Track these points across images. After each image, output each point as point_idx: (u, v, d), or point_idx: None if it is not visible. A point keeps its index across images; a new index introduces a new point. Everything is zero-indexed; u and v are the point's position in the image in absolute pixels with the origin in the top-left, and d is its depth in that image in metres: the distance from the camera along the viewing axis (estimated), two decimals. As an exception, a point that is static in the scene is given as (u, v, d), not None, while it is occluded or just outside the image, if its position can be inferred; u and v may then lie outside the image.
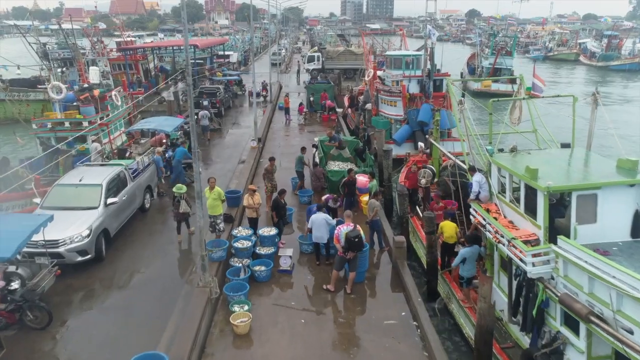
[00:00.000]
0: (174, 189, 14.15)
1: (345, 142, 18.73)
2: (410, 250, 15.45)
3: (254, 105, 25.29)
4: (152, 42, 65.05)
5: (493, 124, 12.76)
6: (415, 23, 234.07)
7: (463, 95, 26.08)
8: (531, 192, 10.05)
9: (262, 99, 37.51)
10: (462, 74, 57.18)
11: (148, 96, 39.58)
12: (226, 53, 55.72)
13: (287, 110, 31.78)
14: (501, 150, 11.83)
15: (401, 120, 25.84)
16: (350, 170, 15.40)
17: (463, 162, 17.61)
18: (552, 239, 9.55)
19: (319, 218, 12.39)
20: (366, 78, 31.55)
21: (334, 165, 18.47)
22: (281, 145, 25.48)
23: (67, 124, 21.67)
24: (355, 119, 30.80)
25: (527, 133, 13.20)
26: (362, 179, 16.23)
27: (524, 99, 12.29)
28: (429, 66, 26.18)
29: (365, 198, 15.97)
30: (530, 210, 10.16)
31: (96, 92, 23.92)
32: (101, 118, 23.24)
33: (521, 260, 9.46)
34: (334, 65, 51.82)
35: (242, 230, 13.24)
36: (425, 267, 13.50)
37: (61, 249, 11.46)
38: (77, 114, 22.05)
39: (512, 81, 48.49)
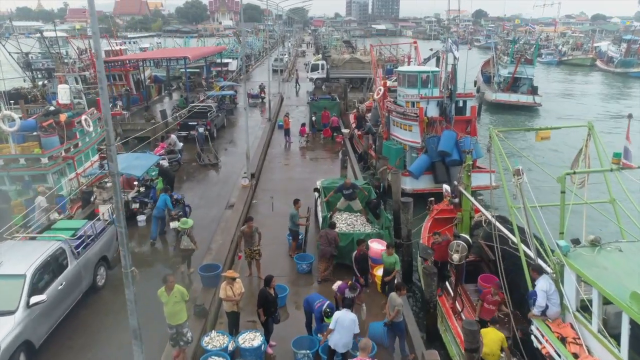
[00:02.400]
0: (179, 224, 13.31)
1: (356, 192, 15.09)
2: (437, 341, 12.04)
3: (246, 128, 21.80)
4: (145, 48, 61.74)
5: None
6: (421, 24, 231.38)
7: (480, 108, 22.95)
8: (641, 331, 6.59)
9: (260, 100, 40.58)
10: (475, 82, 53.56)
11: (137, 111, 36.63)
12: (224, 61, 52.25)
13: (287, 132, 28.32)
14: (576, 242, 8.33)
15: (418, 148, 22.31)
16: (361, 242, 11.86)
17: (502, 218, 14.26)
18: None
19: (348, 318, 8.99)
20: (375, 95, 28.03)
21: (341, 221, 14.93)
22: (279, 180, 21.96)
23: (22, 161, 18.37)
24: (364, 142, 27.32)
25: (600, 203, 9.70)
26: (376, 247, 12.75)
27: (611, 170, 8.70)
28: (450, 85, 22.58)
29: (379, 272, 12.54)
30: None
31: (63, 117, 20.53)
32: (67, 150, 19.97)
33: None
34: (339, 74, 48.34)
35: (216, 338, 9.77)
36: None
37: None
38: (36, 146, 18.71)
39: (534, 92, 44.93)
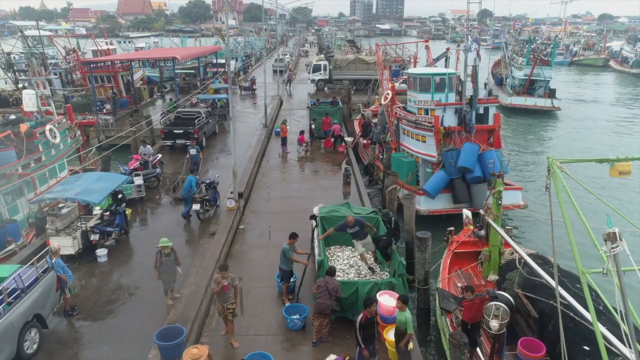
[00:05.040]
0: (160, 242, 11.30)
1: (367, 229, 12.07)
2: None
3: (233, 141, 18.99)
4: (139, 48, 58.97)
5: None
6: (426, 23, 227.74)
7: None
8: None
9: (251, 92, 43.91)
10: (486, 84, 50.56)
11: (123, 116, 33.93)
12: (221, 61, 49.40)
13: (284, 140, 25.51)
14: None
15: (433, 162, 19.45)
16: (368, 304, 9.00)
17: (540, 258, 11.47)
18: None
19: None
20: (383, 100, 25.16)
21: (342, 261, 12.07)
22: (273, 199, 19.11)
23: (-36, 180, 15.70)
24: (370, 152, 24.48)
25: None
26: (387, 303, 9.90)
27: None
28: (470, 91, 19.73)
29: (390, 335, 9.72)
30: None
31: (23, 127, 17.89)
32: (26, 165, 17.27)
33: None
34: (342, 76, 45.50)
35: None
36: None
37: None
38: (-14, 163, 16.03)
39: (551, 95, 41.90)
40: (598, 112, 44.28)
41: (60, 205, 13.91)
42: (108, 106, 34.29)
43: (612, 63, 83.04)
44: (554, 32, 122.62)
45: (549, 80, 41.91)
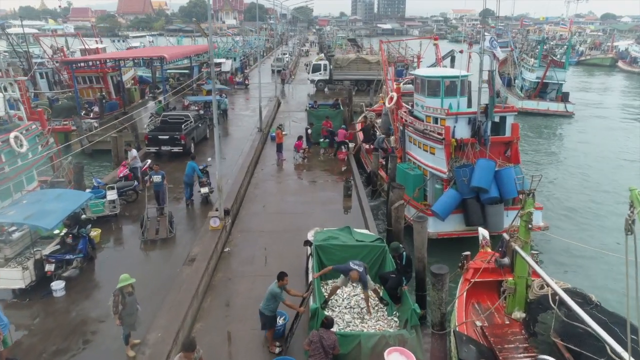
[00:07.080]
0: (120, 281, 9.06)
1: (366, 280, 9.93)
2: None
3: (218, 151, 16.99)
4: (131, 47, 56.91)
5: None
6: (428, 23, 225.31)
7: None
8: None
9: (244, 87, 45.98)
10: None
11: (109, 119, 31.95)
12: (217, 60, 47.46)
13: (279, 147, 23.54)
14: None
15: (443, 179, 17.35)
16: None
17: (579, 295, 9.52)
18: None
19: None
20: (387, 103, 23.15)
21: (341, 302, 10.03)
22: (266, 215, 17.08)
23: None
24: (373, 160, 22.44)
25: None
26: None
27: None
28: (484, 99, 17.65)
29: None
30: None
31: (-15, 135, 15.93)
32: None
33: None
34: (343, 76, 43.53)
35: None
36: None
37: None
38: (-62, 175, 14.06)
39: (564, 98, 39.77)
40: (613, 116, 41.90)
41: (11, 229, 11.89)
42: (97, 109, 32.34)
43: (620, 63, 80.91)
44: (558, 31, 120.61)
45: (561, 84, 39.70)
